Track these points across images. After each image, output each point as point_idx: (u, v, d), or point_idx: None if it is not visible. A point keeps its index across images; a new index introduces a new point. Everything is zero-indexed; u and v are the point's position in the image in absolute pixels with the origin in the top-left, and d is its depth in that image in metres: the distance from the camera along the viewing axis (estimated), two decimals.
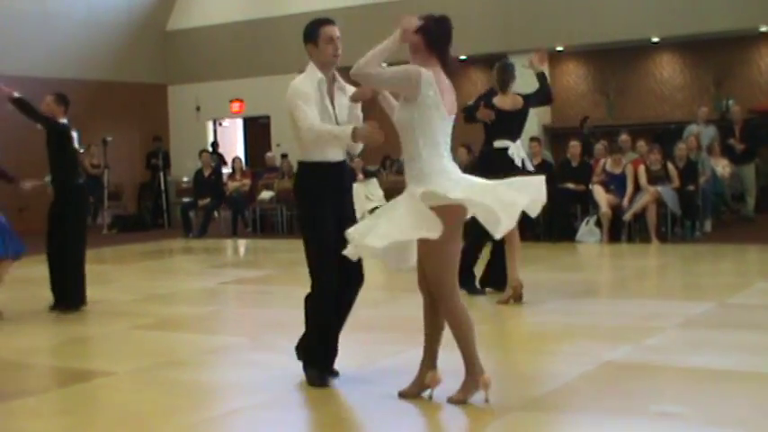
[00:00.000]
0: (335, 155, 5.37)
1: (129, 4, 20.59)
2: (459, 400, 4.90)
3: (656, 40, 16.77)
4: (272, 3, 19.99)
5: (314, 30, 5.36)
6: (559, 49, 17.25)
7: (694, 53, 16.98)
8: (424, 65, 4.90)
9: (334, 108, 5.32)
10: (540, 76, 8.52)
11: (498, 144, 8.22)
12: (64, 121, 8.56)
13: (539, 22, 16.90)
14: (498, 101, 8.27)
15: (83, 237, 8.63)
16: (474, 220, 4.95)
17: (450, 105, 4.95)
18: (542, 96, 8.54)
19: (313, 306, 5.30)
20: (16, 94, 8.37)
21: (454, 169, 4.93)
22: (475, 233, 7.49)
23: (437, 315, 4.99)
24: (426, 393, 5.01)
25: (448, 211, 4.75)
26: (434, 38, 4.94)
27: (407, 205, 4.83)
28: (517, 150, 8.24)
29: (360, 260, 5.18)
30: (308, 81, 5.28)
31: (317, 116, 5.19)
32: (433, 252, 4.79)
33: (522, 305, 7.87)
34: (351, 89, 5.38)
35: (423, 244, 4.81)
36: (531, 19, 16.96)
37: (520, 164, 8.18)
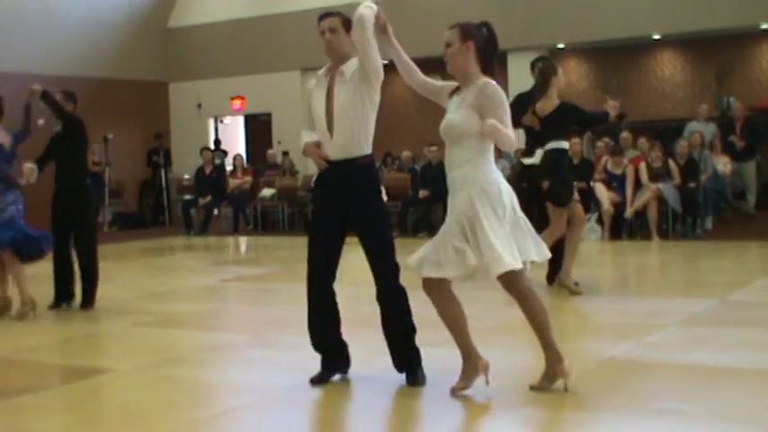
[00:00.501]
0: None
1: (129, 2, 20.58)
2: (462, 387, 4.95)
3: (657, 37, 16.77)
4: (273, 0, 19.98)
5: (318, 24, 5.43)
6: (560, 46, 17.25)
7: (695, 50, 16.98)
8: (470, 70, 4.94)
9: (330, 99, 5.24)
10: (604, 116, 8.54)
11: (554, 145, 8.16)
12: None
13: (540, 19, 16.89)
14: (540, 106, 8.20)
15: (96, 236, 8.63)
16: None
17: None
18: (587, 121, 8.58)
19: (405, 302, 5.26)
20: (41, 88, 8.17)
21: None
22: None
23: (455, 310, 5.00)
24: (482, 380, 5.01)
25: None
26: (484, 44, 5.00)
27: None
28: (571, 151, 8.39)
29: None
30: (313, 79, 5.43)
31: (305, 120, 5.39)
32: None
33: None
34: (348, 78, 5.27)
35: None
36: (533, 16, 16.96)
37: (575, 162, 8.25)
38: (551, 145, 8.15)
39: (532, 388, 5.00)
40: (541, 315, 4.97)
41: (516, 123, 8.33)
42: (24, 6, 18.31)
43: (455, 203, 4.85)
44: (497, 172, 4.91)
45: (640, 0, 16.25)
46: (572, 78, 18.09)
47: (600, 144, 14.15)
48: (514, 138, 4.86)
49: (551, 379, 4.99)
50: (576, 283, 8.21)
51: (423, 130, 16.62)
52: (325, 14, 5.37)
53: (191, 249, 14.69)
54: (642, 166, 12.94)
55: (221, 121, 21.23)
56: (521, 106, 8.40)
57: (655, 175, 12.84)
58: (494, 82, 4.90)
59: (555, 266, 8.42)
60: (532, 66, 8.69)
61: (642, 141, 13.86)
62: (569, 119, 8.26)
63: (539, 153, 8.34)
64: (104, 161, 17.85)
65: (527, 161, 8.90)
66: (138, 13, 20.75)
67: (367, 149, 5.22)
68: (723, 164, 14.04)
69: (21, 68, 17.40)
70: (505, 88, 19.51)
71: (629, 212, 12.77)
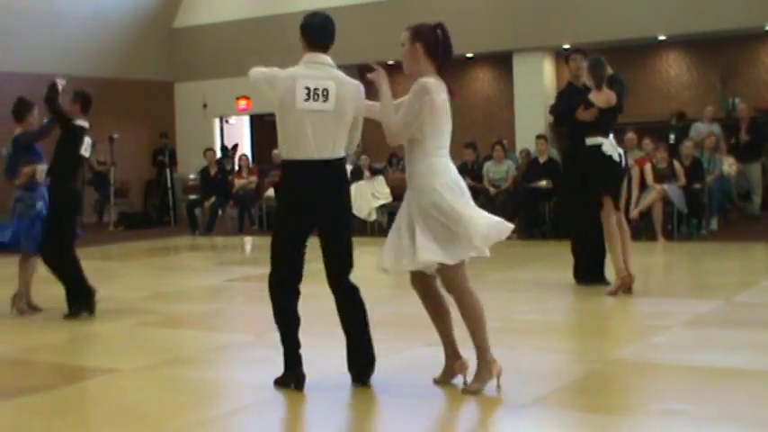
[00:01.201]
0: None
1: (135, 2, 20.62)
2: (475, 389, 4.99)
3: (662, 38, 16.74)
4: (278, 0, 19.98)
5: None
6: (566, 47, 17.22)
7: (701, 51, 16.95)
8: (420, 71, 5.01)
9: None
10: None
11: (591, 141, 8.14)
12: (82, 122, 8.36)
13: (545, 20, 16.87)
14: (594, 98, 8.14)
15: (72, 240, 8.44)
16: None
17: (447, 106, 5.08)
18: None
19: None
20: (63, 81, 8.27)
21: (453, 170, 5.05)
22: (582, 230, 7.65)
23: (436, 304, 5.15)
24: (459, 380, 5.12)
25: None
26: (433, 45, 5.02)
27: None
28: (613, 147, 8.17)
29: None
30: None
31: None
32: None
33: (527, 303, 7.87)
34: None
35: None
36: (538, 17, 16.94)
37: (618, 159, 8.15)
38: (590, 141, 8.13)
39: (464, 391, 5.03)
40: (479, 315, 5.04)
41: (564, 120, 8.35)
42: (30, 7, 18.34)
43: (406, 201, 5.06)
44: (443, 170, 4.97)
45: (646, 1, 16.23)
46: None
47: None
48: (399, 129, 4.94)
49: (484, 380, 5.02)
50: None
51: None
52: None
53: (196, 249, 14.70)
54: (647, 166, 12.92)
55: (227, 121, 21.25)
56: (568, 102, 8.42)
57: (660, 176, 12.82)
58: (429, 80, 4.95)
59: (581, 265, 8.49)
60: (570, 59, 8.65)
61: (647, 142, 13.84)
62: (621, 106, 8.30)
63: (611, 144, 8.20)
64: (109, 161, 17.87)
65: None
66: (143, 14, 20.77)
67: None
68: (728, 165, 14.02)
69: (27, 68, 17.45)
70: (511, 88, 19.64)
71: (634, 213, 12.75)
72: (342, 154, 5.21)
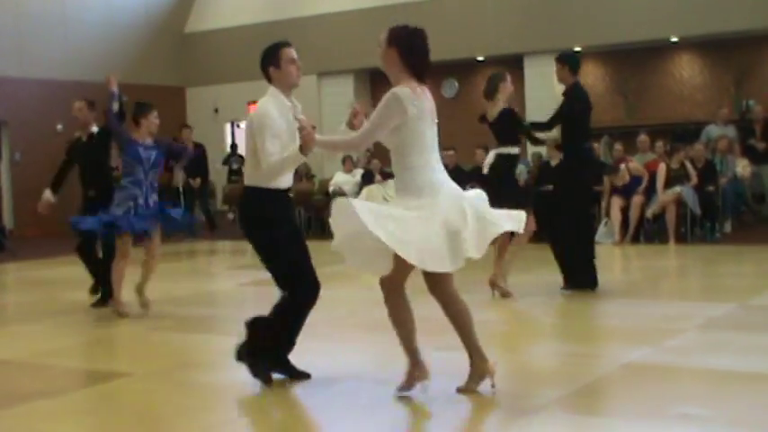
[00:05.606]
0: (286, 182, 5.39)
1: (147, 7, 20.68)
2: (469, 388, 4.99)
3: (675, 39, 16.70)
4: (289, 5, 20.03)
5: (275, 52, 5.37)
6: (577, 49, 17.18)
7: (714, 53, 16.89)
8: (398, 77, 4.91)
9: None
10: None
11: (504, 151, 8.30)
12: (95, 129, 8.69)
13: (557, 22, 16.86)
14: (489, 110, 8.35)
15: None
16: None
17: (432, 112, 4.96)
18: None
19: None
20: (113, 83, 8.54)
21: (445, 179, 4.93)
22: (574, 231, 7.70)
23: (402, 311, 5.06)
24: (488, 383, 5.03)
25: None
26: (408, 51, 4.92)
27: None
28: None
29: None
30: (275, 108, 5.26)
31: (278, 150, 5.14)
32: None
33: (541, 306, 7.85)
34: (299, 106, 5.41)
35: None
36: (549, 20, 16.92)
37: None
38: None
39: (459, 390, 5.01)
40: (467, 317, 5.02)
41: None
42: (42, 12, 18.42)
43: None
44: (429, 177, 4.87)
45: (658, 2, 16.19)
46: (589, 81, 18.01)
47: (618, 147, 14.09)
48: (359, 141, 4.97)
49: (479, 380, 5.01)
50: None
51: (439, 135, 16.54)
52: (289, 43, 5.42)
53: (208, 254, 14.71)
54: (661, 168, 12.89)
55: (238, 126, 21.27)
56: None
57: (673, 178, 12.78)
58: (402, 90, 4.83)
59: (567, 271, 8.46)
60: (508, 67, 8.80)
61: (659, 145, 13.81)
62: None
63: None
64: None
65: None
66: (155, 19, 20.84)
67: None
68: (742, 167, 13.96)
69: (39, 73, 17.53)
70: (522, 92, 19.61)
71: (648, 214, 12.73)
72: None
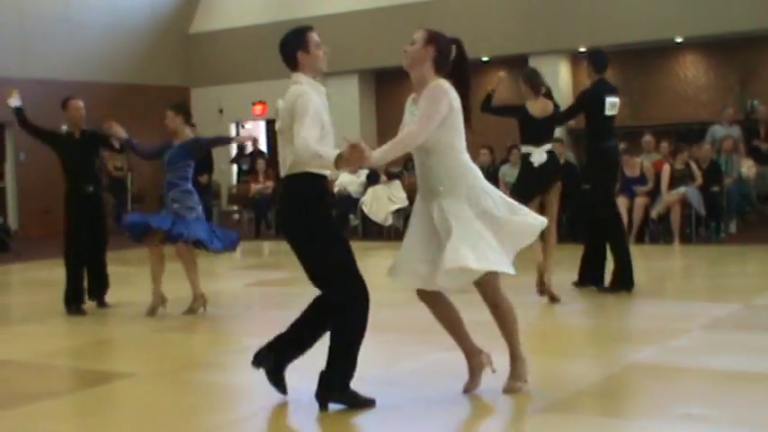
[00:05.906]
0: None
1: (152, 8, 20.70)
2: (518, 388, 5.04)
3: (679, 40, 16.66)
4: (294, 5, 20.02)
5: (302, 36, 5.20)
6: (582, 50, 17.18)
7: (719, 53, 16.85)
8: (423, 73, 4.89)
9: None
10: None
11: (523, 150, 8.23)
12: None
13: (561, 23, 16.83)
14: (530, 107, 8.29)
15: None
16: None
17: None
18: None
19: None
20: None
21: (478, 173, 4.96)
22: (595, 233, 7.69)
23: (447, 311, 5.12)
24: (489, 371, 5.11)
25: None
26: (443, 56, 4.91)
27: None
28: (540, 156, 8.23)
29: None
30: (315, 94, 5.00)
31: (316, 136, 4.77)
32: None
33: (544, 307, 7.84)
34: (323, 90, 5.17)
35: None
36: (553, 20, 16.89)
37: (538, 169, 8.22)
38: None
39: (506, 391, 5.03)
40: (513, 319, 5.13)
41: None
42: (48, 13, 18.45)
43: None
44: (474, 175, 4.89)
45: (663, 3, 16.15)
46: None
47: (622, 146, 14.06)
48: (418, 134, 4.74)
49: (520, 378, 5.06)
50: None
51: None
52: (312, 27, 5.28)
53: (214, 254, 14.67)
54: (666, 168, 12.87)
55: (243, 126, 21.29)
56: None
57: (678, 178, 12.76)
58: (443, 82, 4.82)
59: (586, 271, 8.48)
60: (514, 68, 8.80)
61: (664, 145, 13.79)
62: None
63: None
64: (126, 167, 17.93)
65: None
66: (160, 20, 20.85)
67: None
68: (747, 167, 13.93)
69: (45, 74, 17.55)
70: None
71: (653, 214, 12.71)
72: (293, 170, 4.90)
